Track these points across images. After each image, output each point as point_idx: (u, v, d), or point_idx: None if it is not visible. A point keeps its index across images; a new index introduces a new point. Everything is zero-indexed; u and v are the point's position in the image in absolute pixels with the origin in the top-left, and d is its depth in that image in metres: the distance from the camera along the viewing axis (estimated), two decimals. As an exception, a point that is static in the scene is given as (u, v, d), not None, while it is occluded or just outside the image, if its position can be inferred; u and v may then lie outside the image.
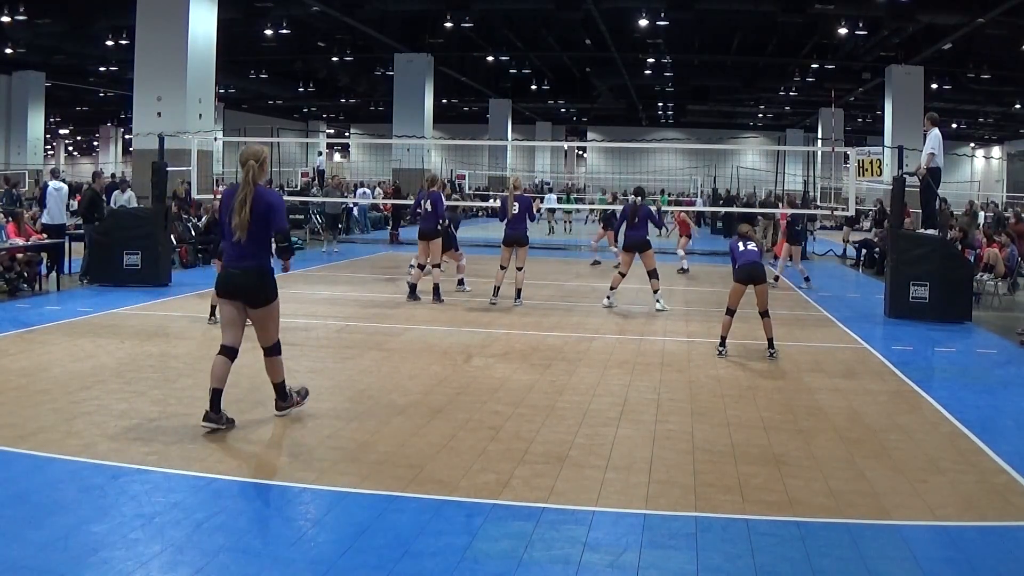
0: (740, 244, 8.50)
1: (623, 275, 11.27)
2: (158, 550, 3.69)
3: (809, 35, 26.35)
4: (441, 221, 11.50)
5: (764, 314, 8.32)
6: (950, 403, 6.59)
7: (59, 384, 6.44)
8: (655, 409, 6.26)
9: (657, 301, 11.13)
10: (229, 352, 5.54)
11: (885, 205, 17.87)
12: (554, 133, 50.57)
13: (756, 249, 8.49)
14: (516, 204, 11.24)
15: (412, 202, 13.65)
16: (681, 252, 16.46)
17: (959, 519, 4.32)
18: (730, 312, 8.42)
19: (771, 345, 8.31)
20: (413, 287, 11.48)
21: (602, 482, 4.69)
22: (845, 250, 20.08)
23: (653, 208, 12.46)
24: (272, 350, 5.67)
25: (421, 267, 11.62)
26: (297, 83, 37.07)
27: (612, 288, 11.44)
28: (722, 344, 8.41)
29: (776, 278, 14.00)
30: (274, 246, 5.66)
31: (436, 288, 11.27)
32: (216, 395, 5.43)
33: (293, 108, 47.59)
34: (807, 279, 14.36)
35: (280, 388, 5.80)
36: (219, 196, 16.78)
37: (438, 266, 11.40)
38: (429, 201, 11.42)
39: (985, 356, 8.88)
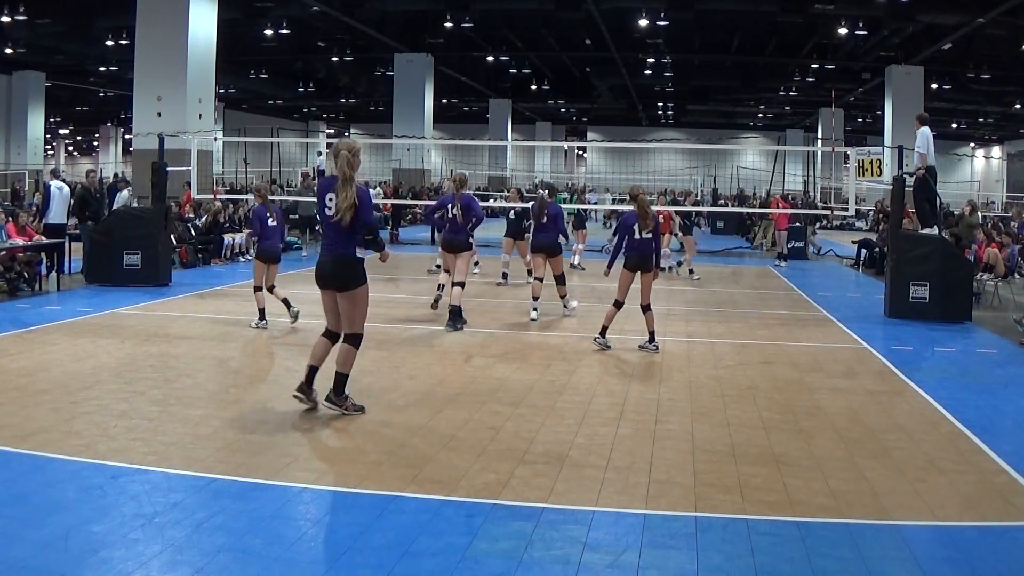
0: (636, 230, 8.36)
1: (541, 280, 10.02)
2: (158, 550, 3.69)
3: (809, 35, 26.36)
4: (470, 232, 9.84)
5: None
6: (950, 403, 6.59)
7: (59, 384, 6.44)
8: (655, 409, 6.26)
9: (565, 306, 10.24)
10: (329, 335, 5.86)
11: (885, 205, 17.79)
12: (554, 133, 50.58)
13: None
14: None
15: (427, 204, 12.36)
16: (581, 246, 16.45)
17: (959, 519, 4.32)
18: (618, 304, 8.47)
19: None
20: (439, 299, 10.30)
21: (602, 482, 4.69)
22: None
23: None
24: (351, 339, 5.78)
25: (447, 270, 10.25)
26: (297, 83, 37.09)
27: (535, 298, 9.98)
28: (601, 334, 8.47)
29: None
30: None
31: (455, 312, 9.30)
32: (311, 372, 5.79)
33: (293, 108, 47.62)
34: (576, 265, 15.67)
35: (340, 381, 5.78)
36: (219, 197, 16.93)
37: (462, 284, 9.46)
38: (460, 207, 9.62)
39: (985, 356, 8.87)
